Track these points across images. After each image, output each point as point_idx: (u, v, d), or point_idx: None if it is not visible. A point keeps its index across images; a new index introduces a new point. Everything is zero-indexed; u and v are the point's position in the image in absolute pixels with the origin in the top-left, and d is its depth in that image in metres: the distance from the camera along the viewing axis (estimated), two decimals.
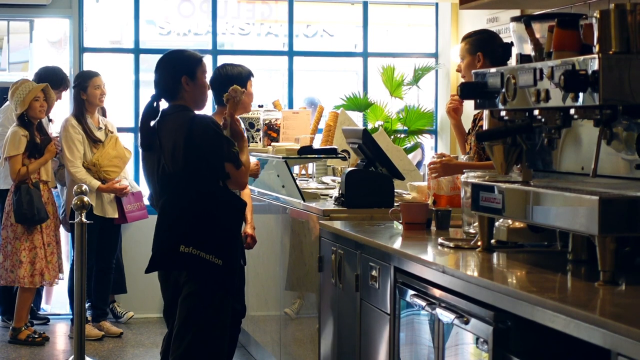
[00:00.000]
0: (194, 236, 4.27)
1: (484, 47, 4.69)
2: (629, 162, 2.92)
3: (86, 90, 7.04)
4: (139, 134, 4.48)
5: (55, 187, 7.63)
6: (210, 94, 5.16)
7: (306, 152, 5.46)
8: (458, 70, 4.84)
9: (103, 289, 7.23)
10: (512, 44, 4.29)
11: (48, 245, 6.91)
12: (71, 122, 6.99)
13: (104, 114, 7.43)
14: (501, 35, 7.36)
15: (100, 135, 7.08)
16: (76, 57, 8.00)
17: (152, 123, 4.40)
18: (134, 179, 7.93)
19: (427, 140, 8.54)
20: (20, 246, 6.84)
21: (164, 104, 4.44)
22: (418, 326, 3.45)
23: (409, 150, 8.09)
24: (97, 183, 6.94)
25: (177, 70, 4.39)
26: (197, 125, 4.28)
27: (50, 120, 7.61)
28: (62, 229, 7.28)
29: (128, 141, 8.15)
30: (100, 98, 7.09)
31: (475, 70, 3.48)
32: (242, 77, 5.13)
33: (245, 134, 4.74)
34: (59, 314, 7.82)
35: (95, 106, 7.11)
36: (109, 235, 7.16)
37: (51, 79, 7.26)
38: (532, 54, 3.28)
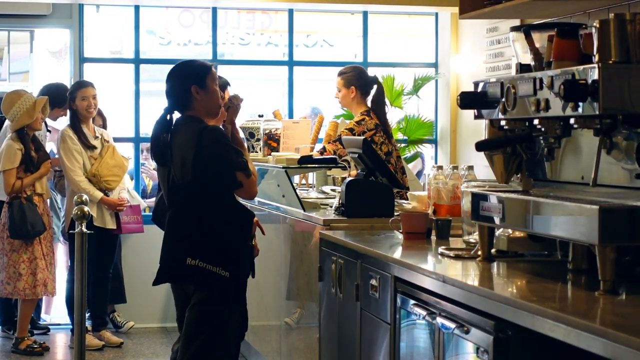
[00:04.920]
0: (201, 248, 4.26)
1: (355, 81, 5.95)
2: (629, 171, 2.92)
3: (74, 101, 7.00)
4: (151, 148, 4.44)
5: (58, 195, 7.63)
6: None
7: (306, 162, 5.46)
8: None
9: (101, 298, 7.23)
10: (376, 77, 6.02)
11: (47, 256, 6.90)
12: (68, 134, 6.96)
13: (104, 124, 7.41)
14: (501, 45, 7.47)
15: (96, 143, 7.05)
16: (76, 67, 8.00)
17: (166, 136, 4.34)
18: (135, 189, 7.93)
19: (427, 149, 8.54)
20: (19, 258, 6.81)
21: (176, 115, 4.43)
22: (418, 336, 3.45)
23: (409, 160, 8.09)
24: (99, 194, 6.93)
25: (187, 80, 4.37)
26: (207, 137, 4.26)
27: (49, 131, 7.59)
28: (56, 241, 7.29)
29: (128, 151, 8.16)
30: (87, 109, 6.96)
31: (475, 80, 3.49)
32: (221, 84, 5.10)
33: (246, 144, 4.70)
34: (58, 324, 7.81)
35: (85, 117, 7.01)
36: (106, 246, 7.15)
37: (56, 96, 7.19)
38: (532, 63, 3.28)
